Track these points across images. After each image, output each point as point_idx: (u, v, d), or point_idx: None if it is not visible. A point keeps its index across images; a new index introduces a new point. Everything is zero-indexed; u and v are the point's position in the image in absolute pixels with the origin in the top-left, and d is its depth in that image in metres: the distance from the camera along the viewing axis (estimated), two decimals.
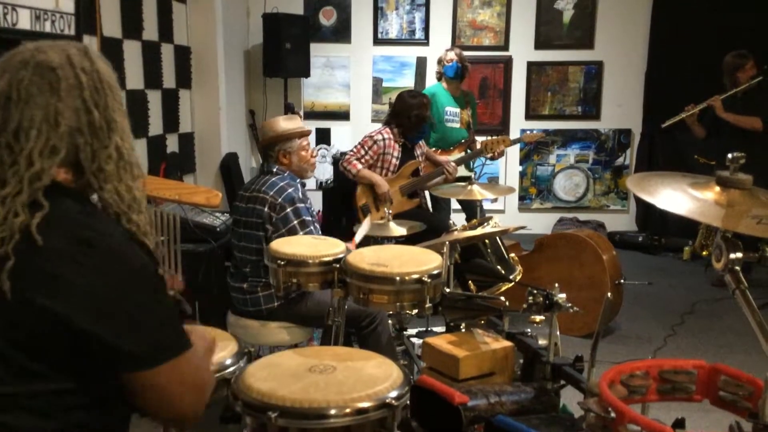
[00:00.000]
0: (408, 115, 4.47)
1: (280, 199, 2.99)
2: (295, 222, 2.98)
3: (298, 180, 3.17)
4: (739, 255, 1.35)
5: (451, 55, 5.04)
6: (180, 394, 1.23)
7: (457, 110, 5.08)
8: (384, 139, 4.47)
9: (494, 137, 4.74)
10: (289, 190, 3.02)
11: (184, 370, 1.24)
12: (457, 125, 5.08)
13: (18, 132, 1.18)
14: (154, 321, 1.22)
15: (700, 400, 1.35)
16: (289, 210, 2.98)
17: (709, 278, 5.29)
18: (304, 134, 3.21)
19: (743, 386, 1.27)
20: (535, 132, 5.36)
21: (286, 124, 3.19)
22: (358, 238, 3.25)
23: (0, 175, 1.19)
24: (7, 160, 1.19)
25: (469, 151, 5.05)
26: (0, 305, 1.14)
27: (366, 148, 4.48)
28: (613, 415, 1.12)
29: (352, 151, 4.55)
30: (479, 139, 5.07)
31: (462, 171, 4.86)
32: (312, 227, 3.02)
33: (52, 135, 1.19)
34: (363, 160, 4.46)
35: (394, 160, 4.51)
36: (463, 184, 3.87)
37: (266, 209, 2.99)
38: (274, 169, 3.13)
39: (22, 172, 1.17)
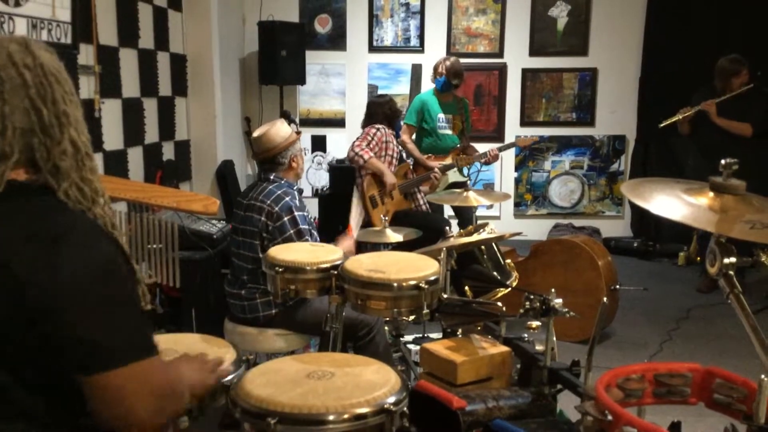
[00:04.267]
0: (382, 112, 4.73)
1: (277, 208, 2.99)
2: (291, 232, 2.98)
3: (295, 187, 3.18)
4: (733, 259, 1.37)
5: (442, 68, 5.01)
6: (136, 399, 1.17)
7: (449, 117, 5.11)
8: (382, 128, 4.66)
9: (462, 155, 4.92)
10: (287, 199, 3.02)
11: (144, 375, 1.18)
12: (450, 132, 5.10)
13: None
14: (116, 320, 1.16)
15: (695, 403, 1.36)
16: (285, 219, 2.98)
17: (696, 285, 5.33)
18: (299, 136, 3.27)
19: (737, 389, 1.28)
20: (528, 136, 5.37)
21: (286, 128, 3.21)
22: (353, 222, 3.27)
23: None
24: None
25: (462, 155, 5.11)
26: None
27: (370, 137, 4.61)
28: (609, 417, 1.13)
29: (357, 140, 4.64)
30: (475, 145, 5.11)
31: (457, 177, 4.90)
32: (309, 236, 3.03)
33: (1, 140, 1.18)
34: (370, 147, 4.58)
35: (395, 147, 4.70)
36: (458, 190, 3.89)
37: (263, 218, 3.00)
38: (272, 177, 3.14)
39: None
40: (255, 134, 3.21)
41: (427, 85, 6.68)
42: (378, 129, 4.64)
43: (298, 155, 3.19)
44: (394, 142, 4.70)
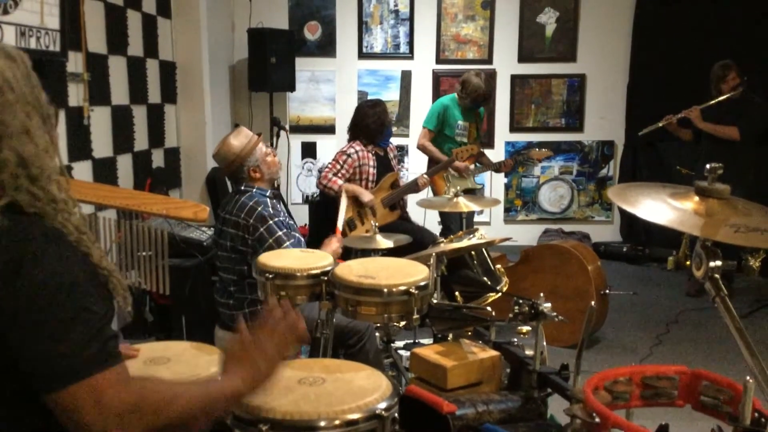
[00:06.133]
0: (366, 123, 4.54)
1: (251, 221, 2.95)
2: (271, 240, 2.94)
3: (268, 192, 3.12)
4: (719, 263, 1.38)
5: (470, 89, 4.97)
6: (87, 415, 1.12)
7: (467, 124, 5.11)
8: (356, 152, 4.51)
9: (463, 146, 4.81)
10: (258, 209, 2.97)
11: (96, 391, 1.12)
12: (466, 139, 5.11)
13: None
14: (63, 337, 1.12)
15: (682, 405, 1.38)
16: (262, 230, 2.95)
17: (685, 288, 5.37)
18: (259, 141, 3.13)
19: (724, 391, 1.29)
20: (543, 150, 5.28)
21: (237, 141, 3.09)
22: (340, 224, 3.22)
23: None
24: None
25: (478, 165, 5.10)
26: None
27: (341, 163, 4.49)
28: (597, 420, 1.14)
29: (327, 167, 4.55)
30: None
31: (467, 184, 4.90)
32: (290, 240, 2.97)
33: None
34: (340, 175, 4.46)
35: (371, 170, 4.54)
36: (448, 196, 3.89)
37: (240, 232, 2.96)
38: (242, 187, 3.09)
39: None
40: (213, 151, 3.16)
41: (417, 91, 6.73)
42: (349, 155, 4.49)
43: (261, 161, 3.09)
44: (371, 163, 4.54)
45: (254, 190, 3.07)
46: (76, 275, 1.16)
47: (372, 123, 4.54)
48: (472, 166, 4.99)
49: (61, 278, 1.14)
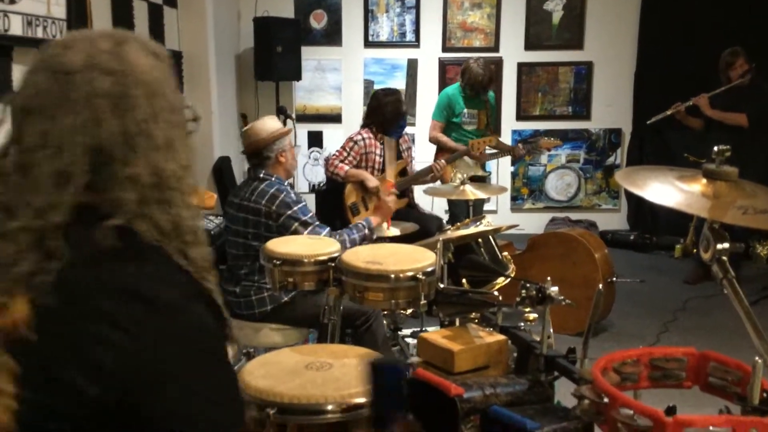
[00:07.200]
0: (383, 112, 4.52)
1: (274, 207, 2.99)
2: (297, 224, 2.99)
3: (286, 182, 3.17)
4: (726, 245, 1.38)
5: (468, 77, 4.98)
6: None
7: (475, 112, 5.10)
8: (363, 139, 4.52)
9: (482, 138, 4.79)
10: (281, 196, 3.02)
11: None
12: (475, 127, 5.11)
13: (30, 151, 0.96)
14: (211, 396, 0.96)
15: (690, 386, 1.38)
16: (287, 215, 2.99)
17: (685, 276, 5.36)
18: (289, 132, 3.26)
19: (732, 372, 1.29)
20: (552, 139, 5.28)
21: (274, 123, 3.21)
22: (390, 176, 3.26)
23: (12, 202, 0.95)
24: (22, 184, 0.96)
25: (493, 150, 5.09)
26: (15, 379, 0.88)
27: (347, 150, 4.51)
28: (606, 400, 1.15)
29: (334, 154, 4.57)
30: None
31: (477, 172, 4.90)
32: (315, 226, 3.03)
33: (65, 157, 0.95)
34: (347, 161, 4.48)
35: (378, 158, 4.55)
36: (455, 184, 3.89)
37: (262, 219, 3.00)
38: (261, 175, 3.13)
39: (33, 202, 0.94)
40: (244, 128, 3.24)
41: (423, 79, 6.71)
42: (356, 142, 4.50)
43: (286, 151, 3.17)
44: (377, 152, 4.54)
45: (273, 178, 3.11)
46: (207, 325, 0.99)
47: (389, 111, 4.53)
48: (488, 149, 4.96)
49: (206, 326, 0.98)
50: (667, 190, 1.48)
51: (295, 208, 3.01)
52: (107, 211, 0.97)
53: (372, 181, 4.46)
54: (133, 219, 0.97)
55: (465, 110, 5.08)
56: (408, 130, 6.52)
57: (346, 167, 4.46)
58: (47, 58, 1.00)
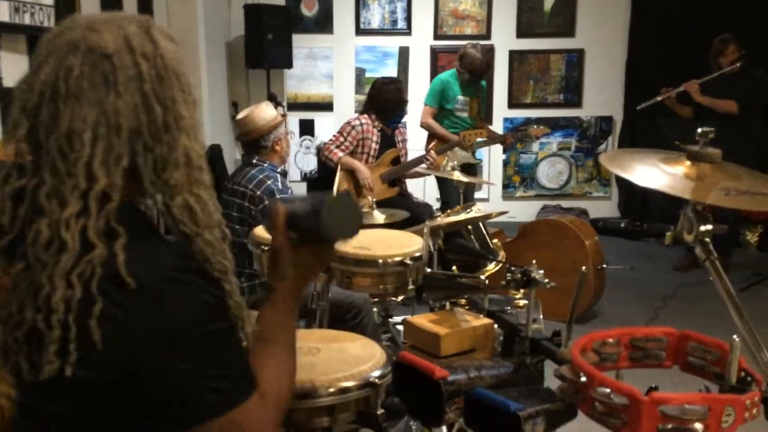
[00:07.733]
0: (383, 99, 4.52)
1: (258, 192, 3.00)
2: None
3: (278, 169, 3.18)
4: (709, 227, 1.39)
5: (467, 62, 4.95)
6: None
7: (467, 99, 5.11)
8: (362, 125, 4.52)
9: (472, 130, 4.78)
10: (268, 183, 3.02)
11: (242, 423, 1.02)
12: (466, 114, 5.12)
13: (71, 135, 0.95)
14: (212, 370, 1.00)
15: (670, 366, 1.39)
16: (266, 204, 2.98)
17: (674, 263, 5.38)
18: (284, 119, 3.27)
19: (711, 351, 1.30)
20: (540, 127, 5.29)
21: (271, 110, 3.21)
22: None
23: (55, 189, 0.95)
24: (62, 170, 0.95)
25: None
26: (87, 360, 0.92)
27: (345, 135, 4.51)
28: (584, 379, 1.15)
29: (331, 139, 4.58)
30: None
31: (469, 159, 4.90)
32: None
33: (113, 140, 0.97)
34: (343, 147, 4.49)
35: (374, 145, 4.55)
36: (449, 169, 3.88)
37: (246, 203, 3.01)
38: (254, 160, 3.14)
39: (82, 186, 0.95)
40: (239, 116, 3.21)
41: (415, 67, 6.70)
42: (354, 127, 4.51)
43: (282, 138, 3.19)
44: (374, 138, 4.54)
45: (266, 164, 3.13)
46: (215, 305, 1.04)
47: (390, 98, 4.53)
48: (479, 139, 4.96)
49: (220, 300, 1.05)
50: (652, 172, 1.48)
51: (279, 197, 2.99)
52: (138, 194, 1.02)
53: (363, 173, 4.46)
54: (173, 209, 1.02)
55: (459, 97, 5.07)
56: None
57: (340, 153, 4.47)
58: (76, 39, 0.99)
